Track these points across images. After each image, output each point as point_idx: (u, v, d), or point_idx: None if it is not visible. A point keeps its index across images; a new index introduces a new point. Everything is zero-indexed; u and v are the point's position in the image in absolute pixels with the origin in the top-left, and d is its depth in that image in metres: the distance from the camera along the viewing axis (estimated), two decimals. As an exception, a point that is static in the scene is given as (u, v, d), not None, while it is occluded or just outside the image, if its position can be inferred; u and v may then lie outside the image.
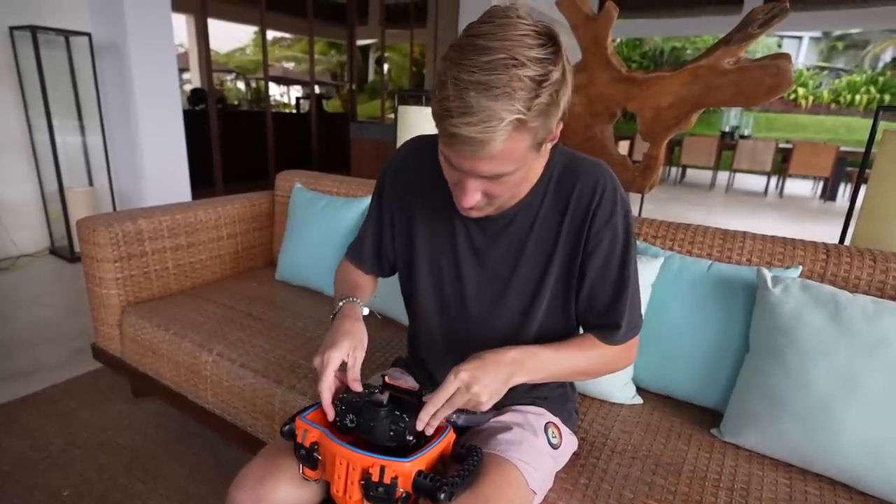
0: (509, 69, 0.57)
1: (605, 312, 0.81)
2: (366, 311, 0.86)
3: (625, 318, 0.80)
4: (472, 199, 0.69)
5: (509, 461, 0.75)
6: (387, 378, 0.75)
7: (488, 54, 0.57)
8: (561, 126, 0.68)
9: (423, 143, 0.89)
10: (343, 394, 0.72)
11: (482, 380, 0.69)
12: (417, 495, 0.65)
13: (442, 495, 0.61)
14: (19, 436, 1.55)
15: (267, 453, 0.79)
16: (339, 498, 0.67)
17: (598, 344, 0.82)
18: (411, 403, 0.70)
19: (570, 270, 0.80)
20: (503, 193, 0.70)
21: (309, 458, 0.70)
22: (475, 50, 0.58)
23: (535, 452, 0.80)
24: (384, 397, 0.71)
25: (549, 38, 0.60)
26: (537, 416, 0.87)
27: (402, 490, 0.64)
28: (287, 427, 0.73)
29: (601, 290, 0.80)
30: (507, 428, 0.82)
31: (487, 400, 0.69)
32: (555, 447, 0.85)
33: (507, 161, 0.64)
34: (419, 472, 0.64)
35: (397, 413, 0.68)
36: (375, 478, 0.63)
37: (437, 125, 0.63)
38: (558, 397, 0.93)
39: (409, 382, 0.96)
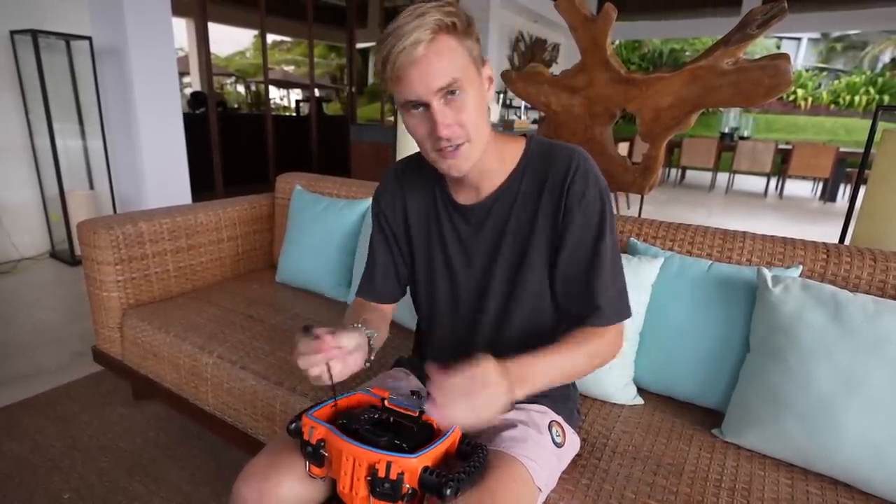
0: (420, 9, 0.68)
1: (582, 294, 0.79)
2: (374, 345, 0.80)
3: (602, 298, 0.78)
4: (446, 121, 0.70)
5: (515, 457, 0.76)
6: (387, 402, 0.75)
7: (401, 18, 0.68)
8: (489, 64, 0.76)
9: (404, 161, 0.94)
10: (342, 420, 0.72)
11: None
12: (423, 491, 0.64)
13: (448, 491, 0.61)
14: (20, 439, 1.55)
15: (271, 449, 0.79)
16: (346, 495, 0.67)
17: (581, 341, 0.78)
18: (410, 429, 0.70)
19: (551, 253, 0.82)
20: (468, 120, 0.72)
21: (315, 455, 0.69)
22: (391, 25, 0.70)
23: (540, 450, 0.80)
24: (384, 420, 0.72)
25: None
26: (541, 414, 0.87)
27: (408, 486, 0.64)
28: (294, 425, 0.73)
29: (575, 267, 0.80)
30: (511, 425, 0.82)
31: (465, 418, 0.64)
32: (559, 445, 0.85)
33: (449, 62, 0.68)
34: (425, 468, 0.64)
35: (396, 442, 0.68)
36: (382, 473, 0.63)
37: (384, 75, 0.70)
38: (560, 396, 0.94)
39: (411, 383, 0.96)
